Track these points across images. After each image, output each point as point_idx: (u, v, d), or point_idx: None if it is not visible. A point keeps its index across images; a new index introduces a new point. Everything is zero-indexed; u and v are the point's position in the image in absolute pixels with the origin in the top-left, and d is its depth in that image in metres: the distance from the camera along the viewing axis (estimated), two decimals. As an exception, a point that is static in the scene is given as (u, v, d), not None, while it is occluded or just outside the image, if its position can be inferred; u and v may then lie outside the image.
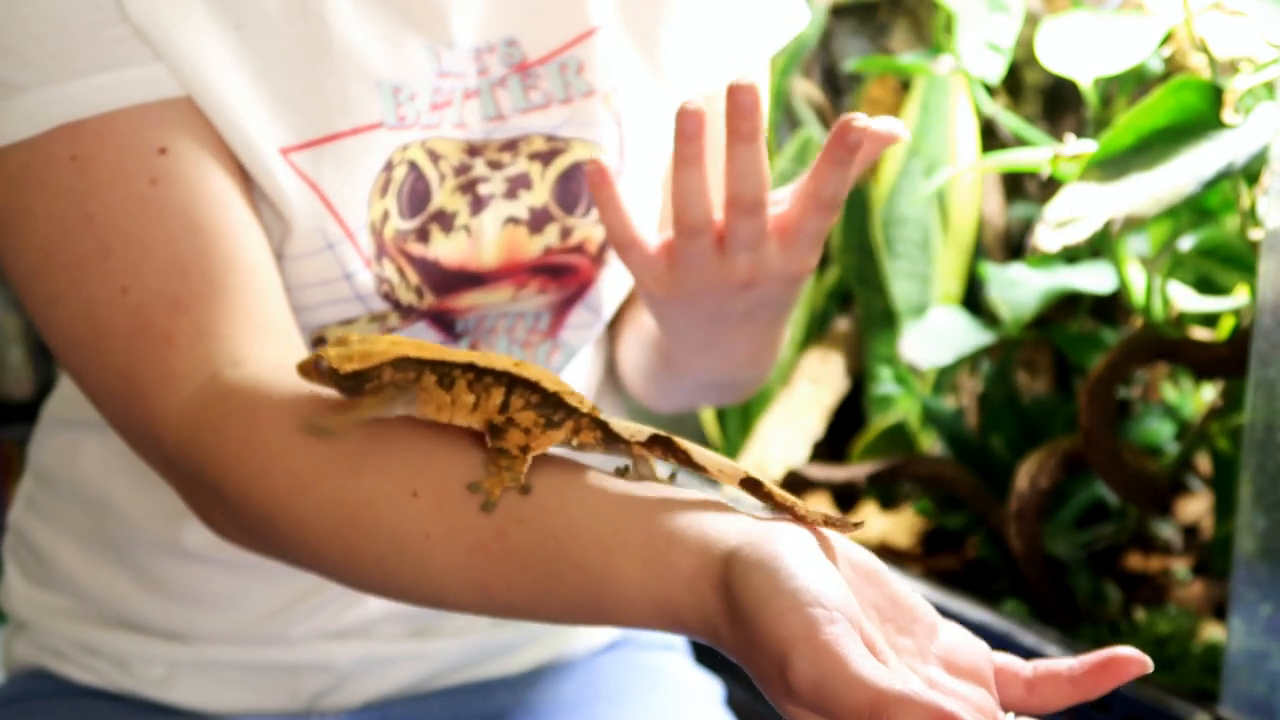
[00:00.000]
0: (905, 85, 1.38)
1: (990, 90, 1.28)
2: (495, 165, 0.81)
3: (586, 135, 0.82)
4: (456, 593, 0.65)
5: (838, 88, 1.49)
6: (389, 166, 0.78)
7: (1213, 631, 1.06)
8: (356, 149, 0.77)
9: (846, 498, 1.33)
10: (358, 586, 0.68)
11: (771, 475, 1.35)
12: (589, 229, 0.84)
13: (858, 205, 1.36)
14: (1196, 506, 1.21)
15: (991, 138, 1.33)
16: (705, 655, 1.05)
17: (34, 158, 0.70)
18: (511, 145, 0.81)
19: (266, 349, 0.70)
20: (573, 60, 0.82)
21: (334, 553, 0.66)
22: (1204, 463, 1.19)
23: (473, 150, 0.81)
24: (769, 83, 0.96)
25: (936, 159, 1.30)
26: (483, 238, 0.81)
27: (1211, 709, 0.89)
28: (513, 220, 0.81)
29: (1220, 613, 1.06)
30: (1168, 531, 1.19)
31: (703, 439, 1.53)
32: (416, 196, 0.80)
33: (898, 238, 1.33)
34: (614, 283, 0.88)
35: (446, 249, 0.80)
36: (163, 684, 0.88)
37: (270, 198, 0.75)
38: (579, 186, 0.83)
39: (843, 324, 1.43)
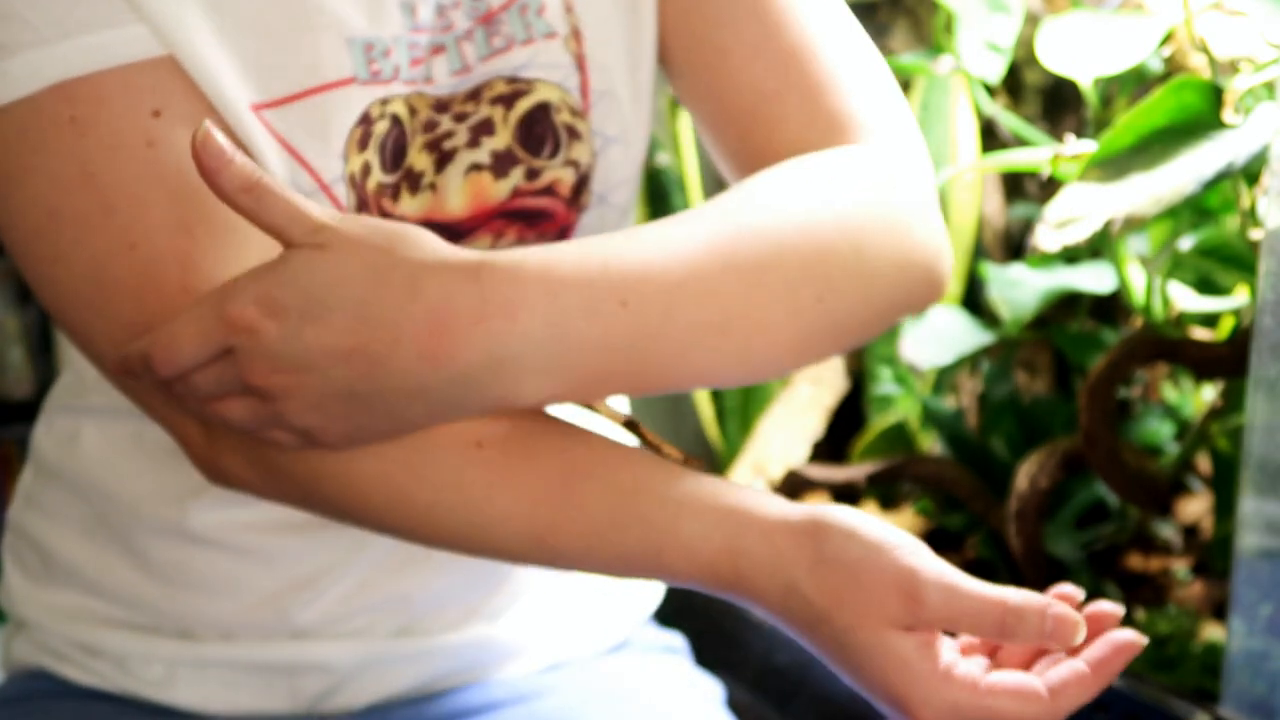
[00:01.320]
0: (905, 85, 1.37)
1: (990, 90, 1.28)
2: (460, 117, 0.81)
3: (550, 77, 0.82)
4: (508, 539, 0.69)
5: (838, 88, 1.49)
6: (367, 120, 0.78)
7: (1213, 631, 1.06)
8: (327, 104, 0.77)
9: (846, 498, 1.33)
10: (391, 530, 0.71)
11: (771, 475, 1.35)
12: (557, 170, 0.83)
13: (858, 205, 1.36)
14: (1196, 506, 1.21)
15: (991, 138, 1.33)
16: (705, 657, 1.05)
17: (33, 119, 0.71)
18: (475, 94, 0.81)
19: None
20: (533, 2, 0.81)
21: (378, 496, 0.69)
22: (1204, 463, 1.19)
23: (440, 106, 0.81)
24: None
25: (936, 159, 1.30)
26: (447, 190, 0.81)
27: (1211, 709, 0.89)
28: (475, 167, 0.81)
29: (1220, 613, 1.06)
30: (1168, 531, 1.19)
31: (703, 439, 1.53)
32: (397, 151, 0.80)
33: (898, 238, 1.33)
34: (593, 228, 0.86)
35: (412, 206, 0.81)
36: (163, 684, 0.88)
37: (246, 151, 0.76)
38: (543, 128, 0.82)
39: (843, 324, 1.43)
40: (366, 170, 0.79)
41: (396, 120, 0.79)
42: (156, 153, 0.72)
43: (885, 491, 1.33)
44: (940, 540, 1.27)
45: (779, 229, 0.72)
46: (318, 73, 0.77)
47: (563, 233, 0.85)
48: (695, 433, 1.54)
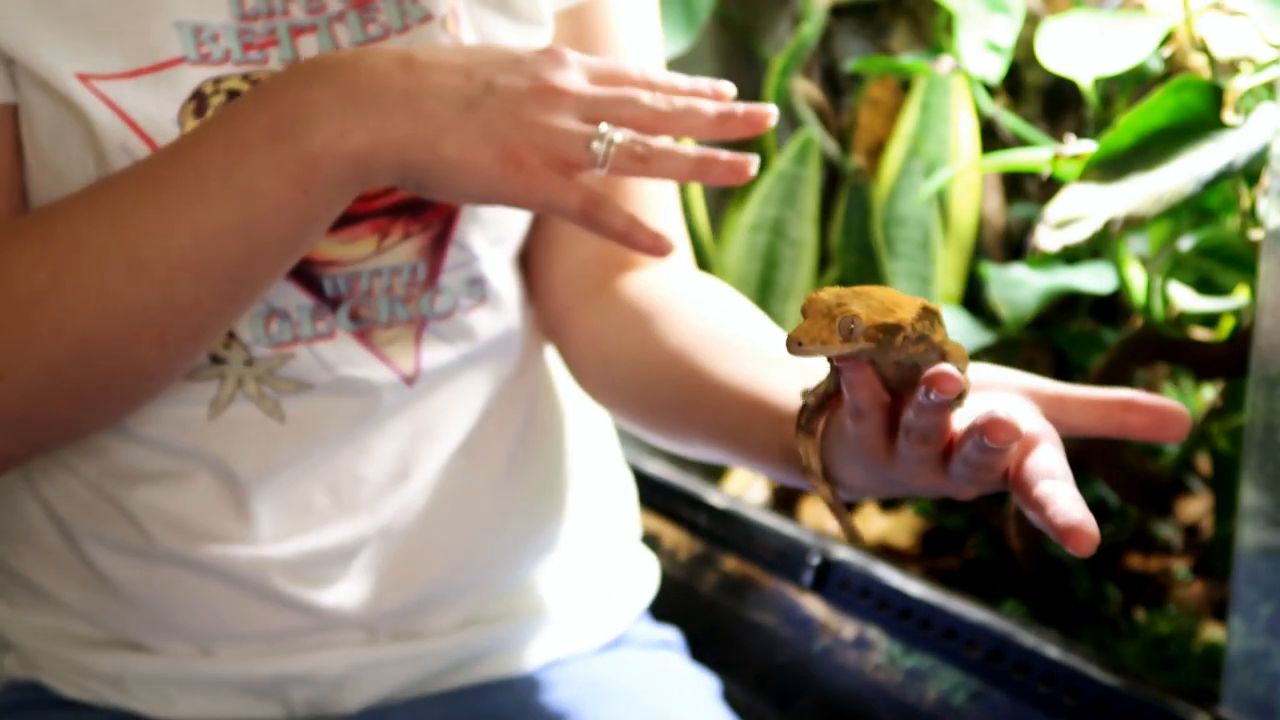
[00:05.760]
0: (905, 85, 1.38)
1: (990, 90, 1.28)
2: None
3: None
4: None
5: (838, 88, 1.49)
6: (199, 95, 0.78)
7: (1213, 631, 1.06)
8: (159, 81, 0.77)
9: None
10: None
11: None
12: None
13: (858, 205, 1.37)
14: (1196, 506, 1.21)
15: (991, 138, 1.33)
16: (705, 658, 1.05)
17: None
18: None
19: None
20: None
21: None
22: (1204, 463, 1.19)
23: None
24: (653, 13, 0.93)
25: (936, 159, 1.30)
26: None
27: (1211, 709, 0.89)
28: None
29: (1220, 613, 1.06)
30: (1168, 531, 1.19)
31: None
32: None
33: (898, 238, 1.33)
34: (477, 213, 0.85)
35: None
36: (156, 702, 0.87)
37: (70, 120, 0.77)
38: None
39: (843, 324, 1.42)
40: None
41: (235, 94, 0.78)
42: None
43: (885, 491, 1.33)
44: (940, 540, 1.27)
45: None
46: (148, 53, 0.77)
47: (448, 220, 0.84)
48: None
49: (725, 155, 0.76)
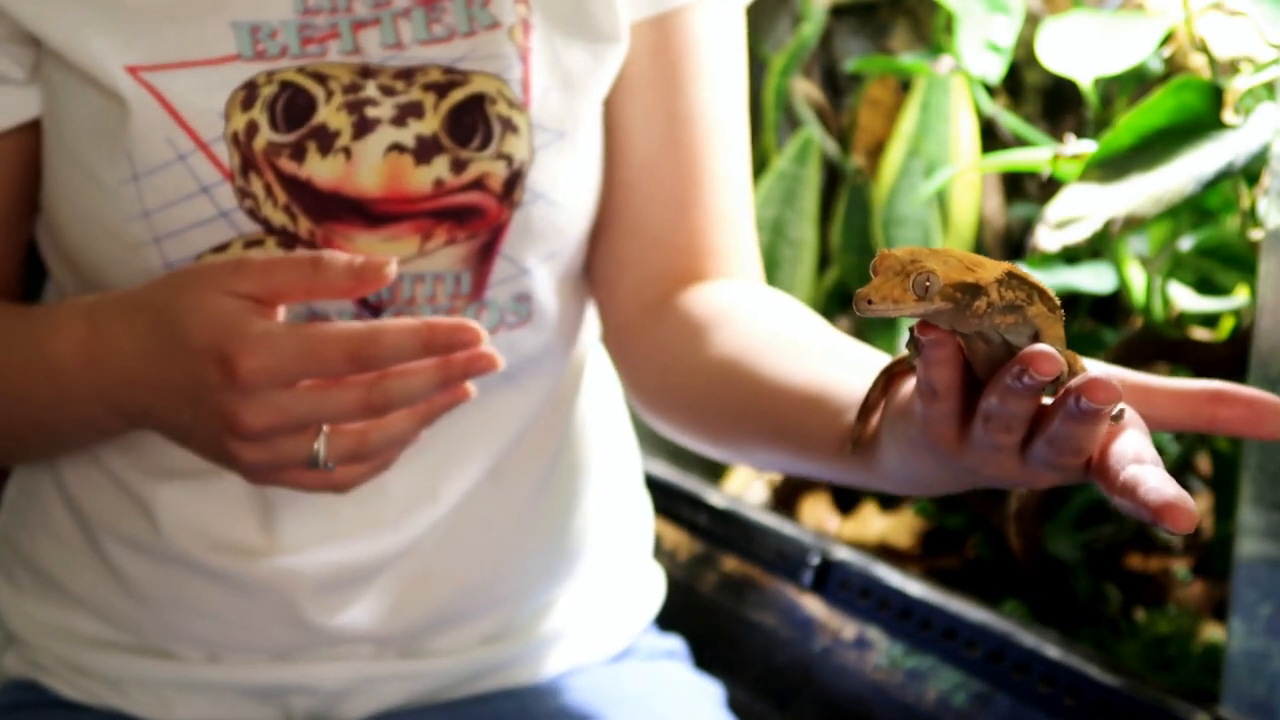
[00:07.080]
0: (905, 85, 1.37)
1: (990, 90, 1.28)
2: (388, 91, 0.80)
3: (488, 68, 0.81)
4: None
5: (838, 88, 1.49)
6: (251, 86, 0.78)
7: (1213, 631, 1.06)
8: (209, 74, 0.78)
9: (847, 497, 1.33)
10: None
11: (770, 475, 1.35)
12: (487, 164, 0.81)
13: (858, 205, 1.37)
14: (1196, 506, 1.21)
15: (991, 138, 1.33)
16: (706, 659, 1.05)
17: None
18: (407, 74, 0.80)
19: None
20: None
21: None
22: (1204, 463, 1.19)
23: (366, 72, 0.80)
24: (739, 31, 0.91)
25: (936, 159, 1.30)
26: (362, 162, 0.79)
27: (1211, 709, 0.89)
28: (397, 147, 0.79)
29: (1220, 613, 1.06)
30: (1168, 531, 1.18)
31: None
32: (295, 110, 0.79)
33: (898, 238, 1.33)
34: (529, 227, 0.83)
35: (322, 170, 0.79)
36: (154, 705, 0.87)
37: (112, 113, 0.77)
38: (474, 119, 0.81)
39: (843, 324, 1.43)
40: (253, 129, 0.78)
41: (288, 85, 0.79)
42: None
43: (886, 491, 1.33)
44: (940, 540, 1.27)
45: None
46: (201, 49, 0.77)
47: (496, 231, 0.83)
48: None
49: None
